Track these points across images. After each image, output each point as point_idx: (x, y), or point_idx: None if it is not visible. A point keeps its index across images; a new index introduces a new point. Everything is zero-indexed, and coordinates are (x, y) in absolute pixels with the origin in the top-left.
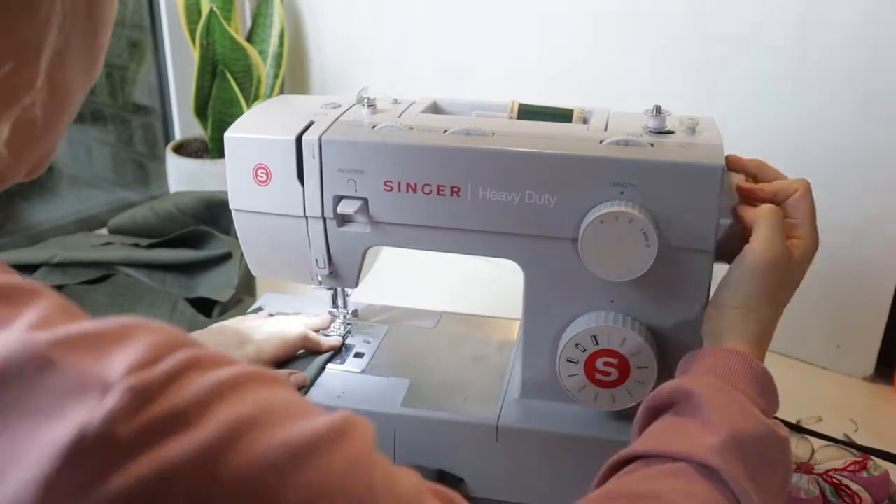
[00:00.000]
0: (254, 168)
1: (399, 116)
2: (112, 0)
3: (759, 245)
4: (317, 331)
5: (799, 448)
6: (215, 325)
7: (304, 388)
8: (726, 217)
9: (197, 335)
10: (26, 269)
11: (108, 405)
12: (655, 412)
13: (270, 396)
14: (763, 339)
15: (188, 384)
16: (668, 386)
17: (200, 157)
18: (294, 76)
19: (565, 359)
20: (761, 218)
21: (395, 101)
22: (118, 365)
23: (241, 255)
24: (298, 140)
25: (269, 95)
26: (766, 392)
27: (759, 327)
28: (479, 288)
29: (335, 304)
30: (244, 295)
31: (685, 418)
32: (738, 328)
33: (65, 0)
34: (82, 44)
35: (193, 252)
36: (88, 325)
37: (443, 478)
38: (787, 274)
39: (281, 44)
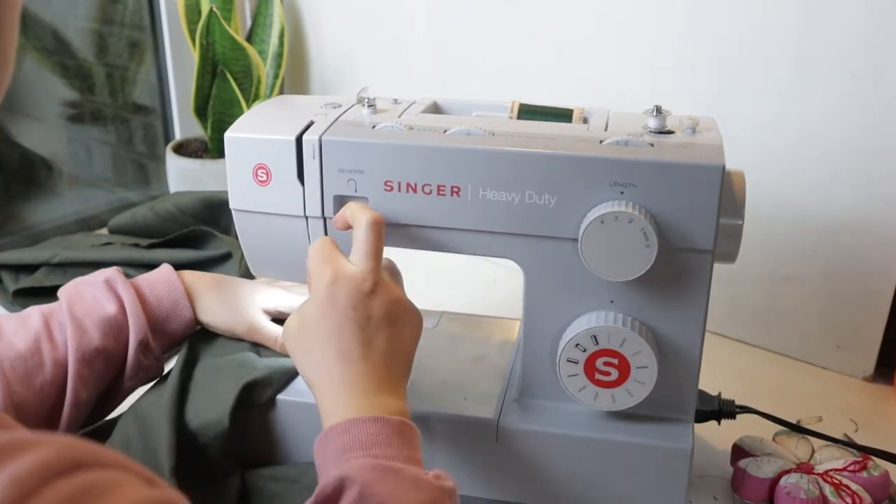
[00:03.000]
0: (254, 168)
1: (399, 116)
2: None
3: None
4: None
5: (799, 448)
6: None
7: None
8: (726, 217)
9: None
10: (26, 269)
11: None
12: None
13: None
14: (370, 385)
15: None
16: (328, 481)
17: (200, 157)
18: (294, 76)
19: (565, 359)
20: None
21: (395, 101)
22: None
23: (241, 255)
24: (298, 140)
25: (269, 95)
26: (410, 439)
27: (357, 379)
28: (479, 288)
29: None
30: None
31: None
32: (334, 393)
33: None
34: None
35: (193, 252)
36: None
37: None
38: (326, 313)
39: (281, 44)
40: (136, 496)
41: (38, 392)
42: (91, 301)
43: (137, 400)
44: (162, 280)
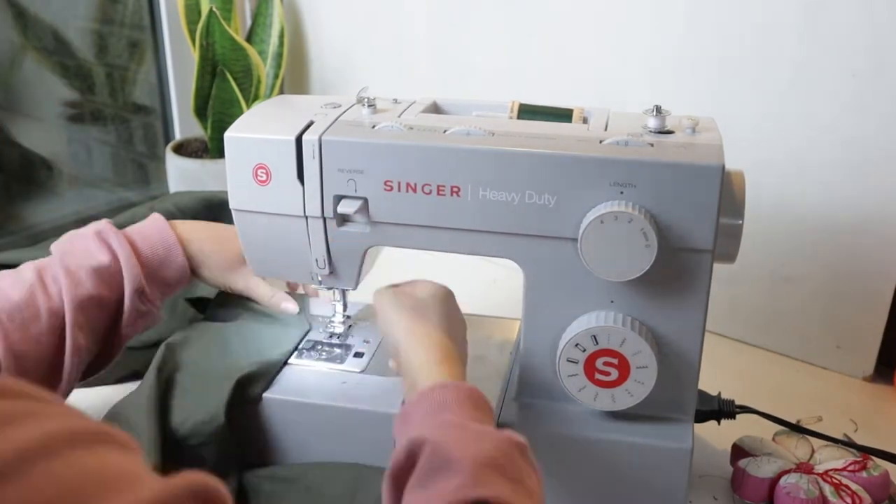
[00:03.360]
0: (254, 168)
1: (399, 116)
2: None
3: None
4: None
5: (799, 448)
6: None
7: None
8: (726, 217)
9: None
10: None
11: None
12: (399, 480)
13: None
14: (447, 356)
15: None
16: (400, 448)
17: (200, 157)
18: (294, 76)
19: (565, 359)
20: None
21: (395, 101)
22: None
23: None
24: (298, 140)
25: (269, 95)
26: (480, 405)
27: (438, 349)
28: (479, 288)
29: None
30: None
31: (432, 472)
32: (421, 360)
33: None
34: None
35: None
36: None
37: None
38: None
39: (281, 44)
40: (151, 482)
41: (35, 341)
42: (83, 252)
43: (116, 403)
44: (154, 228)
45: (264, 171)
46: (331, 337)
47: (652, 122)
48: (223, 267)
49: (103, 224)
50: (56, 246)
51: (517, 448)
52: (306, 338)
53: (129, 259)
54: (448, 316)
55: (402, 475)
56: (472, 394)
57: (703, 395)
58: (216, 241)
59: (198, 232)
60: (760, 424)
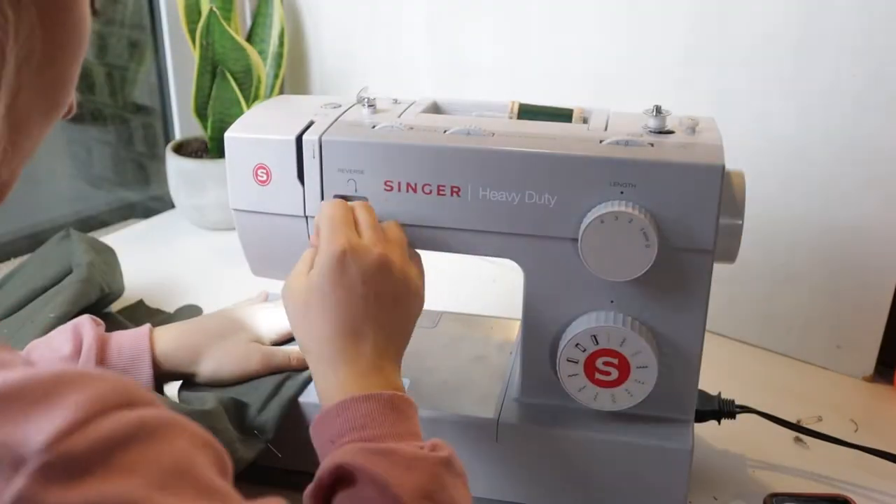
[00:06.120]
0: (254, 168)
1: (399, 116)
2: (75, 27)
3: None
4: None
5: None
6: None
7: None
8: (726, 217)
9: (199, 320)
10: None
11: (16, 487)
12: (321, 500)
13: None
14: (368, 363)
15: (121, 462)
16: (326, 469)
17: (200, 157)
18: (294, 76)
19: (565, 359)
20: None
21: (395, 101)
22: (36, 434)
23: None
24: (298, 140)
25: (269, 95)
26: (402, 413)
27: (356, 355)
28: (479, 288)
29: None
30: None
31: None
32: (333, 368)
33: (19, 40)
34: (39, 85)
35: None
36: (11, 377)
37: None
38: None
39: (281, 44)
40: (191, 434)
41: None
42: (48, 345)
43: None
44: (132, 334)
45: (264, 171)
46: None
47: (652, 122)
48: (240, 362)
49: (84, 318)
50: (31, 343)
51: (445, 466)
52: None
53: (89, 353)
54: (378, 303)
55: (325, 495)
56: (394, 402)
57: (703, 395)
58: (219, 339)
59: (171, 341)
60: (761, 424)
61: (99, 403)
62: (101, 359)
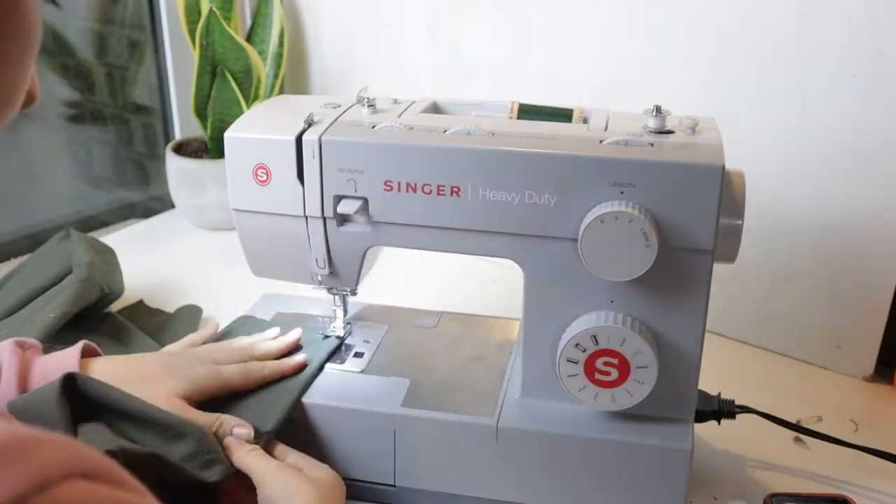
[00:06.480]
0: (254, 168)
1: (399, 116)
2: (20, 24)
3: None
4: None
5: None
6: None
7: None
8: (726, 217)
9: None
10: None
11: None
12: None
13: None
14: None
15: None
16: None
17: (200, 157)
18: (294, 76)
19: (565, 359)
20: None
21: (395, 101)
22: None
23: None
24: (298, 140)
25: (269, 95)
26: None
27: None
28: (479, 288)
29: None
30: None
31: None
32: None
33: None
34: None
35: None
36: None
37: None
38: None
39: (281, 44)
40: None
41: None
42: None
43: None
44: (60, 357)
45: (264, 171)
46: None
47: (652, 122)
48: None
49: (6, 345)
50: None
51: None
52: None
53: (8, 375)
54: None
55: None
56: None
57: (703, 395)
58: (109, 380)
59: (106, 374)
60: (761, 424)
61: (56, 464)
62: (23, 386)
